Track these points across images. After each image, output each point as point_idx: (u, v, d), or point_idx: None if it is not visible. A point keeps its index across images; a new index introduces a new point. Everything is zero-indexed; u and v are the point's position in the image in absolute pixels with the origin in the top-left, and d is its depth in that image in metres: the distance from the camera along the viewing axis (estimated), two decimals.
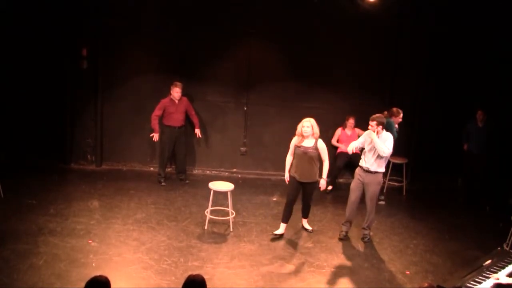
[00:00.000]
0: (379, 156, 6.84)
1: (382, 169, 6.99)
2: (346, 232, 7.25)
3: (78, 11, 9.08)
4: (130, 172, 9.57)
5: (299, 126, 7.00)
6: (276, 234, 7.12)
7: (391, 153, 6.95)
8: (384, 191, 8.91)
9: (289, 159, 7.15)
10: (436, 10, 9.09)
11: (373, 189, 6.98)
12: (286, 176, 7.16)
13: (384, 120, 7.03)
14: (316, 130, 6.98)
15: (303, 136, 6.96)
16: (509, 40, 8.82)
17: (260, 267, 6.29)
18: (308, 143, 6.96)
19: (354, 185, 7.12)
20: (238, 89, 9.60)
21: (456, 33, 9.09)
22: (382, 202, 8.72)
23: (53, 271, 5.78)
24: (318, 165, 7.05)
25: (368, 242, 7.14)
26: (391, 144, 6.90)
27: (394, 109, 8.42)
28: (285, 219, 7.15)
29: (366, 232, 7.21)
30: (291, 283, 5.99)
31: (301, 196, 7.20)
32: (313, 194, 7.26)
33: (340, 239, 7.18)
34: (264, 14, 9.25)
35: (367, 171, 6.95)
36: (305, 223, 7.47)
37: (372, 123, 6.89)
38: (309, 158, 6.92)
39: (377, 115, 6.99)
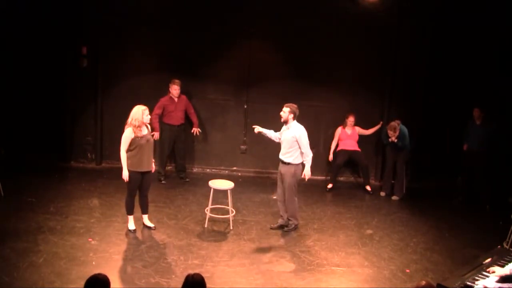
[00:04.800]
0: (291, 147, 6.98)
1: (298, 161, 7.05)
2: (280, 225, 7.37)
3: (79, 9, 9.09)
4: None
5: None
6: None
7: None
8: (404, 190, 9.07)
9: None
10: (436, 9, 9.07)
11: (288, 180, 7.05)
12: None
13: (297, 111, 7.04)
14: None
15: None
16: (509, 38, 8.82)
17: (260, 265, 6.29)
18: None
19: (278, 177, 7.30)
20: (238, 87, 9.61)
21: (456, 32, 9.07)
22: (395, 197, 8.92)
23: (53, 269, 5.78)
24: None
25: (287, 231, 7.25)
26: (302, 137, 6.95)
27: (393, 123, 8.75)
28: None
29: (290, 222, 7.31)
30: (291, 281, 5.98)
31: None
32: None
33: (271, 228, 7.36)
34: (264, 13, 9.24)
35: (282, 162, 7.11)
36: None
37: (285, 110, 6.99)
38: None
39: (292, 104, 7.03)
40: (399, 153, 8.91)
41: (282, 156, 7.10)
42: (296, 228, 7.33)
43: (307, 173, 7.04)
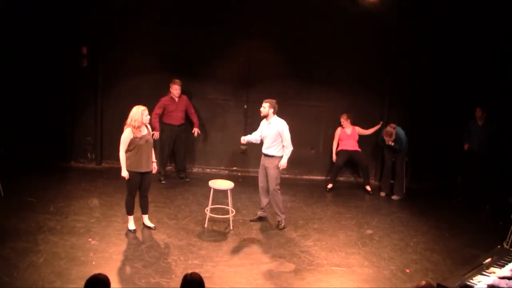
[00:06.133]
0: (275, 141, 7.19)
1: (281, 153, 7.23)
2: (259, 217, 7.59)
3: (79, 9, 9.09)
4: None
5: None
6: None
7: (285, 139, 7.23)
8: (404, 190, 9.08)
9: None
10: (436, 9, 9.08)
11: (271, 172, 7.24)
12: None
13: (276, 106, 7.23)
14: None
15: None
16: (509, 38, 8.81)
17: (260, 265, 6.29)
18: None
19: (259, 171, 7.47)
20: (238, 87, 9.60)
21: (456, 32, 9.07)
22: (396, 197, 8.93)
23: (53, 269, 5.78)
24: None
25: (282, 229, 7.34)
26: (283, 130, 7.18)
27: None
28: None
29: (279, 219, 7.43)
30: (291, 281, 5.99)
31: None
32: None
33: (251, 221, 7.57)
34: (264, 13, 9.24)
35: (265, 155, 7.31)
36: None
37: (265, 105, 7.21)
38: None
39: (271, 99, 7.26)
40: (396, 153, 8.92)
41: (266, 150, 7.30)
42: (284, 223, 7.40)
43: (282, 163, 7.21)
